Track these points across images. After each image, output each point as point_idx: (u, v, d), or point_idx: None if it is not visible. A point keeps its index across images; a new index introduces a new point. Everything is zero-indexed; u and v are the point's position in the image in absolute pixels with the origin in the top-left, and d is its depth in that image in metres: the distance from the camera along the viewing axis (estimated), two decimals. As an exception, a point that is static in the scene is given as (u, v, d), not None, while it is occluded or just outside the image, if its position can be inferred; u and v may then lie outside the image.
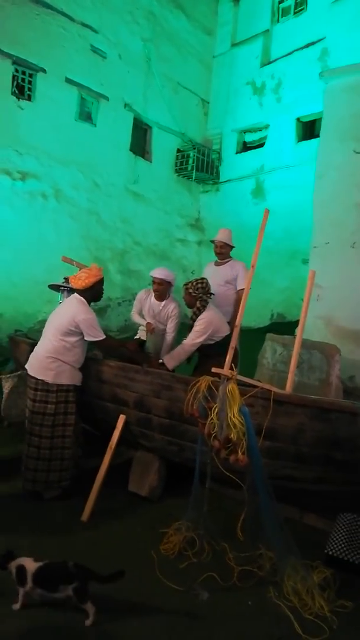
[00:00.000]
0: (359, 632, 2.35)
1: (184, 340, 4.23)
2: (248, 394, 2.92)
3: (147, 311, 4.62)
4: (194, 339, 4.13)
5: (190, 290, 4.22)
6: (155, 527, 3.21)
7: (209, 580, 2.69)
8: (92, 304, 3.91)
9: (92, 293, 3.87)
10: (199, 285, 4.22)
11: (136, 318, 4.75)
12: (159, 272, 4.52)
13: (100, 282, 3.91)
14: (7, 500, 3.59)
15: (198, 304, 4.21)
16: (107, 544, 3.11)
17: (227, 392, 2.78)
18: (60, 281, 4.80)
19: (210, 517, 2.96)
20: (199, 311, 4.19)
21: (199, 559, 2.86)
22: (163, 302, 4.54)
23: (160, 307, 4.55)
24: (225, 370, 2.93)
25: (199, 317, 4.16)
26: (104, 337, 3.81)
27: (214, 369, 2.93)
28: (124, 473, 3.82)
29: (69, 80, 10.03)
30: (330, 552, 2.79)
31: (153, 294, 4.56)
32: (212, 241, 4.98)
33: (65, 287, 4.65)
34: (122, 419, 3.70)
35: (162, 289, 4.49)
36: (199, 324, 4.14)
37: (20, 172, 9.34)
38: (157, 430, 3.56)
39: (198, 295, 4.20)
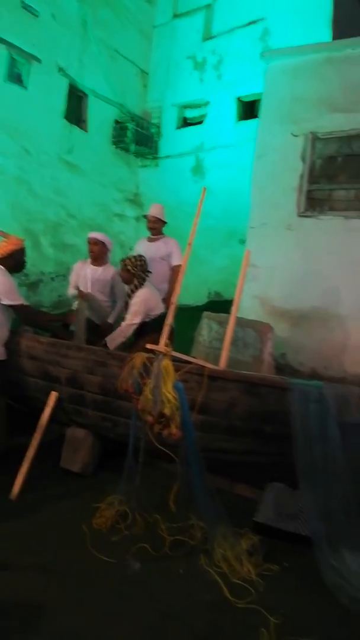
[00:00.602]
0: (283, 593, 2.48)
1: (122, 322, 4.20)
2: (182, 369, 2.94)
3: (84, 281, 4.49)
4: (131, 320, 4.11)
5: (129, 267, 4.17)
6: (88, 503, 3.19)
7: (141, 552, 2.72)
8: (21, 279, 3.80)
9: (12, 262, 3.78)
10: (138, 262, 4.18)
11: (72, 291, 4.63)
12: (95, 233, 4.58)
13: (20, 252, 3.83)
14: None
15: (135, 281, 4.18)
16: (37, 521, 3.06)
17: (161, 368, 2.79)
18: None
19: (143, 490, 2.99)
20: (136, 288, 4.16)
21: (131, 531, 2.89)
22: (101, 268, 4.45)
23: (99, 273, 4.45)
24: (160, 347, 2.93)
25: (135, 295, 4.14)
26: (24, 303, 3.75)
27: (148, 345, 2.93)
28: (57, 450, 3.75)
29: (-3, 38, 9.37)
30: (259, 520, 2.91)
31: (89, 262, 4.48)
32: (145, 216, 4.99)
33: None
34: (53, 395, 3.62)
35: (98, 250, 4.45)
36: (134, 303, 4.12)
37: None
38: (91, 406, 3.52)
39: (137, 272, 4.17)
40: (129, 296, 4.22)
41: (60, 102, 10.75)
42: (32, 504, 3.24)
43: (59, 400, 3.62)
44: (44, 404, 3.62)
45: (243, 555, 2.63)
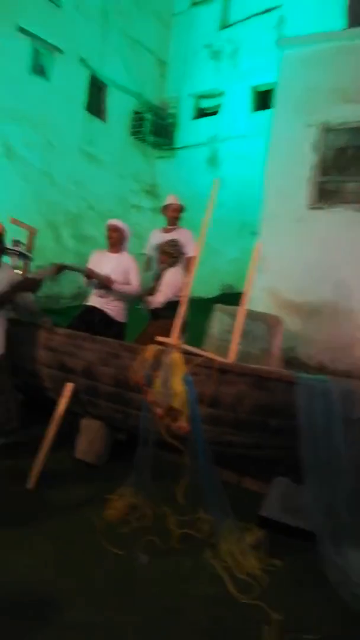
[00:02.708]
0: (287, 588, 2.51)
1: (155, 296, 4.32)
2: (192, 363, 2.97)
3: (101, 268, 4.45)
4: (165, 294, 4.26)
5: (171, 250, 4.36)
6: (100, 494, 3.25)
7: (149, 545, 2.77)
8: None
9: None
10: (176, 244, 4.41)
11: (86, 281, 4.66)
12: (114, 220, 4.59)
13: None
14: None
15: (171, 261, 4.38)
16: (51, 511, 3.14)
17: (171, 361, 2.82)
18: (9, 244, 4.62)
19: (153, 482, 3.04)
20: (170, 266, 4.36)
21: (141, 523, 2.95)
22: (119, 254, 4.47)
23: (117, 260, 4.45)
24: (170, 340, 2.96)
25: (170, 272, 4.32)
26: None
27: (159, 338, 2.96)
28: (72, 440, 3.83)
29: (22, 30, 9.44)
30: (264, 514, 2.94)
31: (106, 251, 4.50)
32: (165, 206, 4.97)
33: (14, 250, 4.51)
34: (69, 387, 3.68)
35: (117, 236, 4.45)
36: (169, 278, 4.28)
37: (-33, 128, 8.85)
38: (104, 398, 3.58)
39: (177, 253, 4.38)
40: (159, 275, 4.39)
41: (81, 93, 10.81)
42: (47, 494, 3.31)
43: (74, 392, 3.68)
44: (59, 395, 3.69)
45: (248, 550, 2.66)
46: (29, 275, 3.84)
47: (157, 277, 4.42)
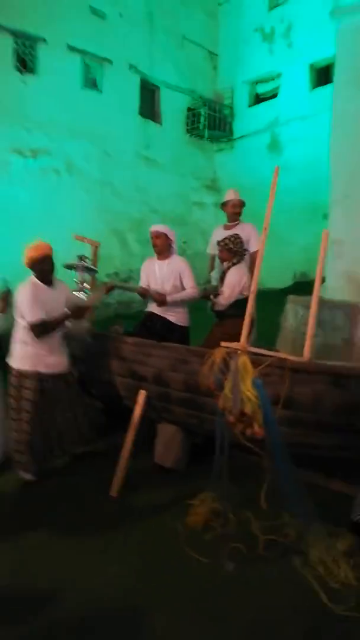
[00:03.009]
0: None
1: (218, 297, 4.26)
2: (262, 364, 2.85)
3: (154, 278, 4.39)
4: (230, 295, 4.17)
5: (231, 246, 4.25)
6: (181, 499, 3.24)
7: (234, 551, 2.70)
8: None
9: (36, 272, 3.69)
10: (238, 240, 4.28)
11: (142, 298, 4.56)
12: (156, 226, 4.46)
13: (37, 262, 3.62)
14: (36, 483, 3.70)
15: (235, 259, 4.27)
16: (135, 517, 3.17)
17: (239, 366, 2.72)
18: (74, 260, 4.73)
19: (234, 486, 2.97)
20: (233, 265, 4.24)
21: (224, 529, 2.88)
22: (167, 260, 4.33)
23: (167, 266, 4.34)
24: (236, 344, 2.86)
25: (233, 272, 4.22)
26: (33, 320, 3.52)
27: (223, 344, 2.87)
28: (151, 446, 3.85)
29: (70, 48, 9.74)
30: (356, 519, 2.75)
31: (155, 258, 4.42)
32: (224, 203, 4.85)
33: (80, 265, 4.60)
34: (142, 394, 3.71)
35: (161, 243, 4.30)
36: (232, 279, 4.17)
37: (31, 150, 9.26)
38: (177, 403, 3.55)
39: (238, 250, 4.26)
40: (224, 274, 4.28)
41: (133, 99, 10.94)
42: (130, 501, 3.37)
43: (147, 399, 3.70)
44: (134, 402, 3.72)
45: (340, 557, 2.51)
46: (79, 304, 3.91)
47: (222, 277, 4.31)
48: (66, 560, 2.75)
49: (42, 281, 3.68)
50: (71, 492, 3.53)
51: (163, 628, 2.24)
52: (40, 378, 3.62)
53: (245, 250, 4.37)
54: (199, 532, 2.93)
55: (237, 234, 4.34)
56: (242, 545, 2.74)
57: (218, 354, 3.02)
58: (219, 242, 4.36)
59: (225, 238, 4.31)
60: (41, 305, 3.57)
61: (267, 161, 10.66)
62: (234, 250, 4.27)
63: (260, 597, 2.41)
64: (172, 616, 2.31)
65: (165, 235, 4.30)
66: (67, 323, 3.80)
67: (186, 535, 2.88)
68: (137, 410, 3.70)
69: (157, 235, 4.31)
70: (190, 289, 4.23)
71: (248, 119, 11.65)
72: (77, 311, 3.80)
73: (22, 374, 3.62)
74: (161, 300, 4.20)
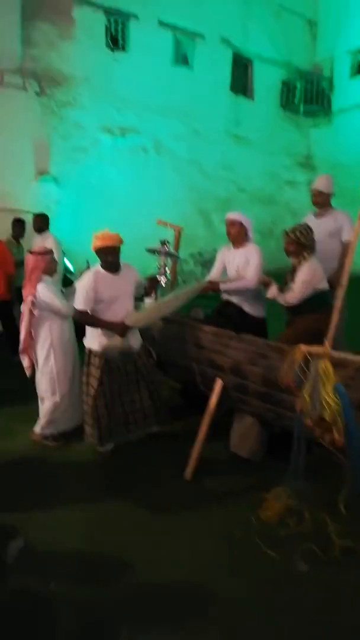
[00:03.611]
0: None
1: (286, 295, 3.91)
2: (346, 368, 2.69)
3: (229, 267, 4.32)
4: (301, 292, 3.80)
5: (301, 238, 3.85)
6: (255, 491, 3.21)
7: (308, 552, 2.64)
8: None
9: (100, 261, 3.76)
10: (310, 232, 3.87)
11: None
12: (231, 214, 4.31)
13: (101, 252, 3.68)
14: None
15: (305, 253, 3.87)
16: (208, 504, 3.20)
17: (319, 371, 2.58)
18: (156, 244, 4.78)
19: (311, 484, 2.90)
20: (304, 260, 3.88)
21: (299, 528, 2.82)
22: (241, 249, 4.21)
23: (240, 255, 4.22)
24: (318, 348, 2.72)
25: (305, 266, 3.84)
26: (77, 308, 3.70)
27: (303, 348, 2.73)
28: (228, 433, 3.82)
29: (162, 23, 9.63)
30: None
31: (232, 247, 4.31)
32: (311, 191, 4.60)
33: (161, 250, 4.64)
34: (219, 383, 3.69)
35: (235, 231, 4.19)
36: (305, 275, 3.81)
37: (120, 128, 9.37)
38: (254, 396, 3.49)
39: (308, 243, 3.86)
40: (294, 269, 3.96)
41: (225, 74, 10.66)
42: (203, 486, 3.41)
43: (224, 388, 3.68)
44: (210, 390, 3.72)
45: None
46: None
47: (292, 271, 3.97)
48: (139, 536, 2.86)
49: (106, 269, 3.75)
50: (146, 469, 3.64)
51: (237, 624, 2.25)
52: (106, 357, 3.75)
53: (315, 242, 3.93)
54: (273, 527, 2.89)
55: (306, 225, 3.96)
56: (317, 547, 2.66)
57: (299, 354, 2.89)
58: (286, 232, 3.98)
59: (295, 229, 3.90)
60: (99, 294, 3.68)
61: (368, 137, 9.99)
62: (302, 243, 3.85)
63: (333, 603, 2.34)
64: (245, 611, 2.32)
65: (240, 223, 4.19)
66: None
67: (260, 528, 2.86)
68: (213, 399, 3.69)
69: (232, 223, 4.22)
70: (247, 279, 4.09)
71: (349, 91, 10.91)
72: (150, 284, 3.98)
73: (91, 353, 3.81)
74: (212, 288, 4.16)
